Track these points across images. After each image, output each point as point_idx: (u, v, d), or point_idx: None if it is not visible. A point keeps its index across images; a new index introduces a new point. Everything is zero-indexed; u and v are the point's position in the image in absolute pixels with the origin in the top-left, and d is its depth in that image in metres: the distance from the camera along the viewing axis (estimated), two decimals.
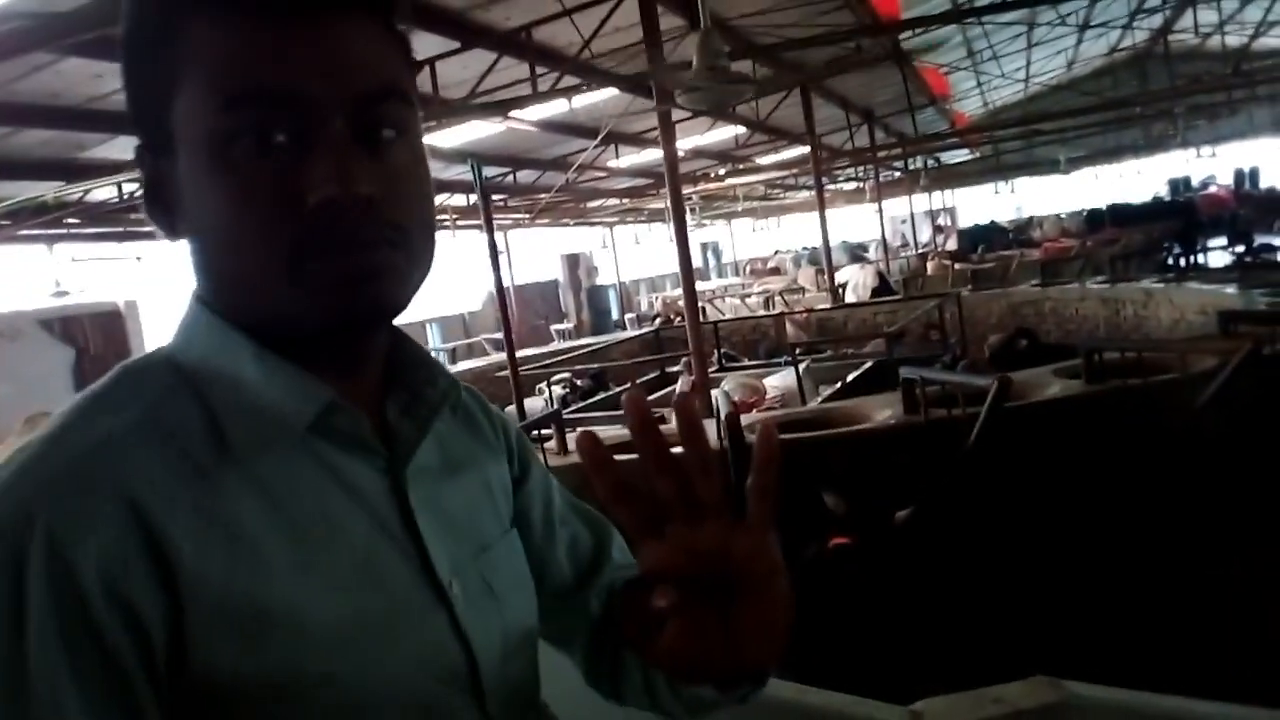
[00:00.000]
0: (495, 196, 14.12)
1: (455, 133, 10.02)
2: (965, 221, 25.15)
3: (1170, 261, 13.72)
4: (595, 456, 0.57)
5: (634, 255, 24.06)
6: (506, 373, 5.64)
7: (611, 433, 5.19)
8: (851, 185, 21.73)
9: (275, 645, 0.57)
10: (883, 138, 17.48)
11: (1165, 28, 14.07)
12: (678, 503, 0.58)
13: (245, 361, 0.63)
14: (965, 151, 22.33)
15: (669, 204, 6.90)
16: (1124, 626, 2.90)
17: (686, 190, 15.77)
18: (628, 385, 7.04)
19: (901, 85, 13.53)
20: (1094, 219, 20.12)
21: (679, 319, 10.80)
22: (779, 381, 6.52)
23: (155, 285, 11.26)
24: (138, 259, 12.65)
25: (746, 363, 8.71)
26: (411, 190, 0.63)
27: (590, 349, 10.16)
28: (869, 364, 7.00)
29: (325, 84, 0.59)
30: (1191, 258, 14.90)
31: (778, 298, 14.33)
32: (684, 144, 14.40)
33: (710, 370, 7.26)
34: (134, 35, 0.62)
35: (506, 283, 11.67)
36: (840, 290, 13.00)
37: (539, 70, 7.94)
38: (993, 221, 23.98)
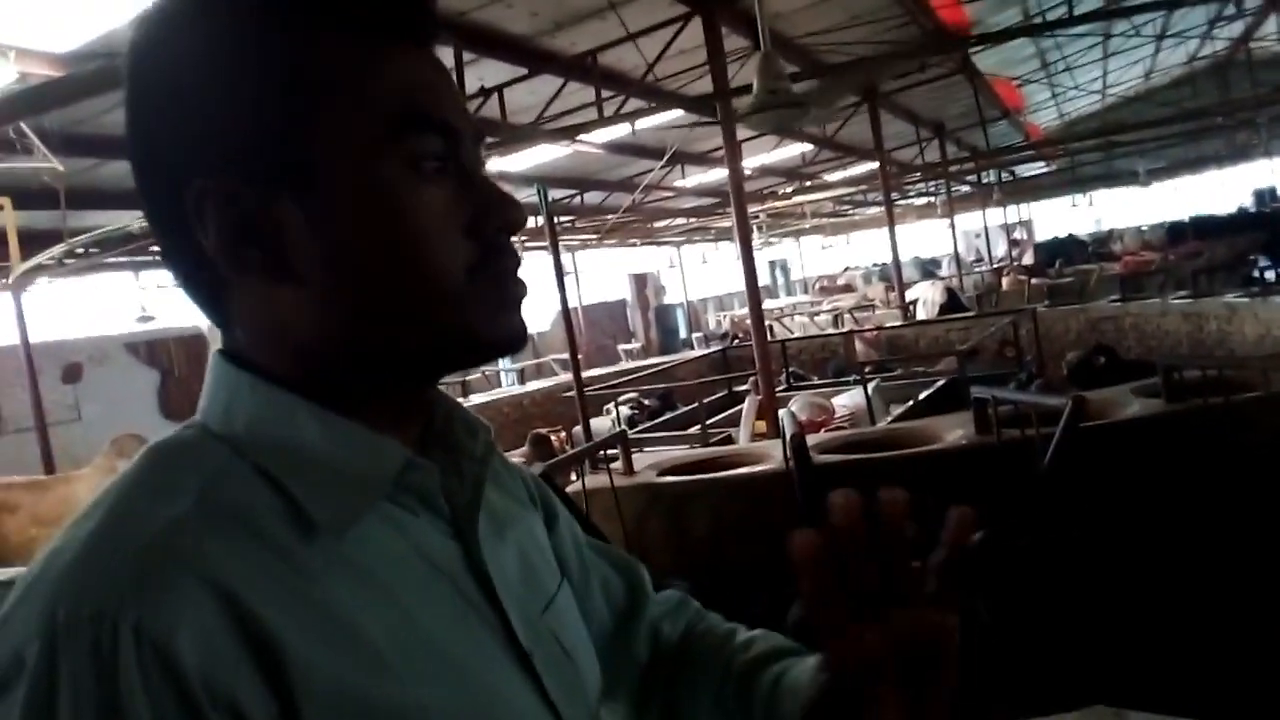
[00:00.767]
0: (563, 218, 14.29)
1: (523, 157, 10.19)
2: (1042, 235, 24.59)
3: (1255, 275, 13.21)
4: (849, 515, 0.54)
5: (702, 274, 24.00)
6: (574, 393, 5.69)
7: (676, 454, 5.21)
8: (923, 200, 21.46)
9: None
10: (954, 151, 17.24)
11: (1247, 35, 13.61)
12: (882, 586, 0.54)
13: (304, 422, 0.56)
14: (1041, 164, 21.87)
15: (735, 223, 6.93)
16: (1199, 656, 2.80)
17: (753, 208, 15.78)
18: (694, 405, 7.05)
19: (973, 99, 13.37)
20: (1176, 231, 19.45)
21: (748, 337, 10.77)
22: (848, 400, 6.43)
23: None
24: None
25: (815, 381, 8.63)
26: None
27: (657, 368, 10.19)
28: (940, 382, 6.89)
29: (461, 114, 0.60)
30: (1278, 271, 14.33)
31: (847, 315, 14.18)
32: (750, 162, 14.41)
33: (778, 389, 7.22)
34: (229, 57, 0.55)
35: (574, 303, 11.83)
36: (911, 308, 12.84)
37: (605, 94, 8.03)
38: (1071, 235, 23.32)
